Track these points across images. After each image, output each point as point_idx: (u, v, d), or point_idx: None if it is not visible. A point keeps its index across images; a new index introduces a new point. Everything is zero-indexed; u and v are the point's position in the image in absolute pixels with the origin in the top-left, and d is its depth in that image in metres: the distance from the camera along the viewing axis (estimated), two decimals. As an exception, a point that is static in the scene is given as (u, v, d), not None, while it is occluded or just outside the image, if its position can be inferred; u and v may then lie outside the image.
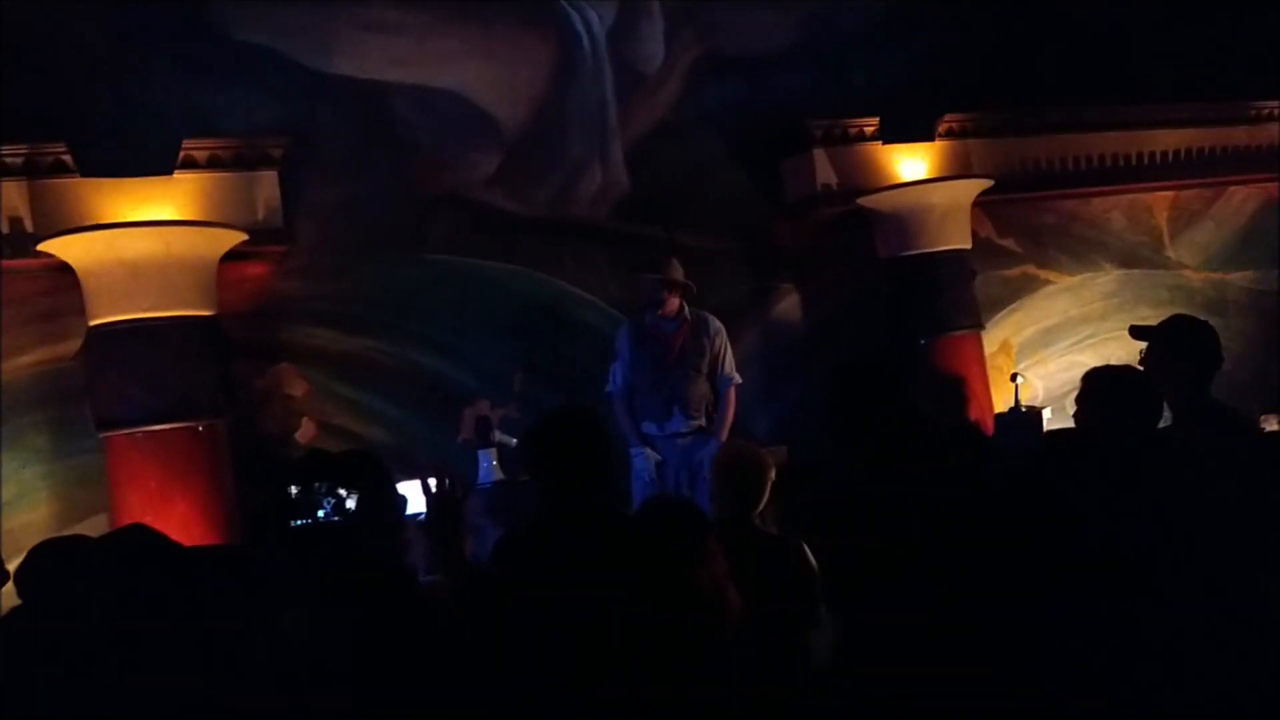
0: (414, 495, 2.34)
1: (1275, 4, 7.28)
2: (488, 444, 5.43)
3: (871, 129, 6.55)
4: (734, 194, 6.56)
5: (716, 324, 5.18)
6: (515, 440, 5.43)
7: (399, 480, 2.24)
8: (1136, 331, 3.27)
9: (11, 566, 2.92)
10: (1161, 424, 3.12)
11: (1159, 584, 2.13)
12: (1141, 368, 3.16)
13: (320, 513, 2.02)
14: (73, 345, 5.09)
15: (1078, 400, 3.01)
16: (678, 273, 5.08)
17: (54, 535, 3.03)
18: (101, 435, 4.94)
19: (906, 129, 6.61)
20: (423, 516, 2.31)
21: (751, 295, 6.53)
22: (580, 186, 6.30)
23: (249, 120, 5.52)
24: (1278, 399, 6.13)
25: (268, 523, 2.14)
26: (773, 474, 3.37)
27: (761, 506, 3.31)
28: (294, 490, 2.06)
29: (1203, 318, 3.30)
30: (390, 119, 5.92)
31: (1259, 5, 7.28)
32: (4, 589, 2.98)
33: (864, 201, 6.43)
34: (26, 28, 5.14)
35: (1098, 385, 2.93)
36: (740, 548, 3.05)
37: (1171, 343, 3.13)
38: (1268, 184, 7.75)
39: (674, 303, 5.05)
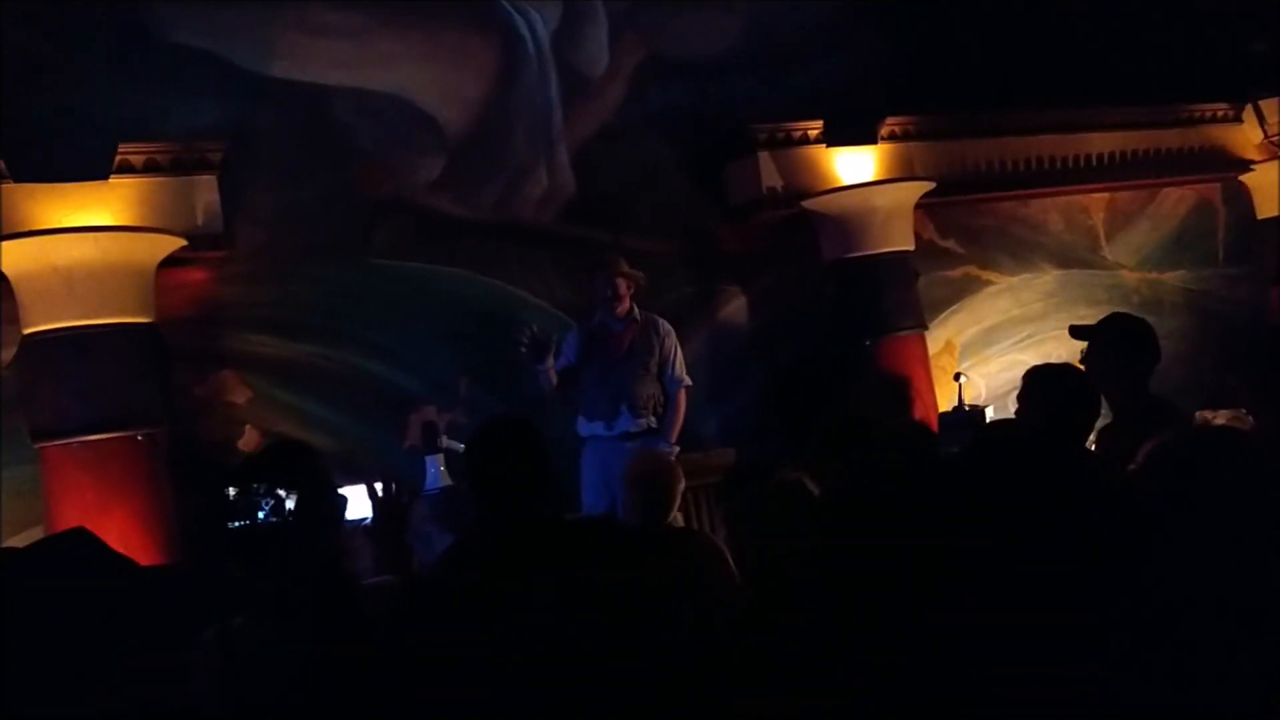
0: (359, 500, 2.31)
1: (1207, 9, 7.47)
2: (434, 450, 5.37)
3: (815, 132, 6.61)
4: (679, 197, 6.58)
5: (666, 325, 5.19)
6: (462, 446, 5.38)
7: (344, 485, 2.21)
8: (1076, 331, 3.35)
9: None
10: (1102, 421, 3.21)
11: (1105, 580, 2.16)
12: (1082, 366, 3.23)
13: (259, 514, 1.99)
14: (6, 354, 4.98)
15: (1019, 399, 3.06)
16: (626, 269, 5.11)
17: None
18: (37, 446, 4.83)
19: (850, 132, 6.67)
20: (368, 521, 2.29)
21: (697, 298, 6.55)
22: (525, 190, 6.28)
23: (187, 124, 5.43)
24: (1211, 396, 6.28)
25: (206, 527, 2.11)
26: (682, 484, 3.37)
27: (671, 514, 3.32)
28: (232, 492, 2.03)
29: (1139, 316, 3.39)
30: (332, 122, 5.86)
31: (1191, 10, 7.46)
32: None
33: (808, 204, 6.48)
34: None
35: (1037, 383, 2.98)
36: (653, 549, 3.06)
37: (1110, 341, 3.20)
38: (1200, 186, 7.94)
39: (625, 301, 5.06)
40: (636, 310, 5.12)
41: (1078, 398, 2.92)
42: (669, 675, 2.04)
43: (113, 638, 1.22)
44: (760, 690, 1.95)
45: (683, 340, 5.50)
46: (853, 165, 6.66)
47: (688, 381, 5.17)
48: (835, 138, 6.63)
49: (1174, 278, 7.86)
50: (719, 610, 2.60)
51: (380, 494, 2.31)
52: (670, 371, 5.11)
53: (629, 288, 5.06)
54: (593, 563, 2.14)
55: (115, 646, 1.24)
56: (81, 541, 1.29)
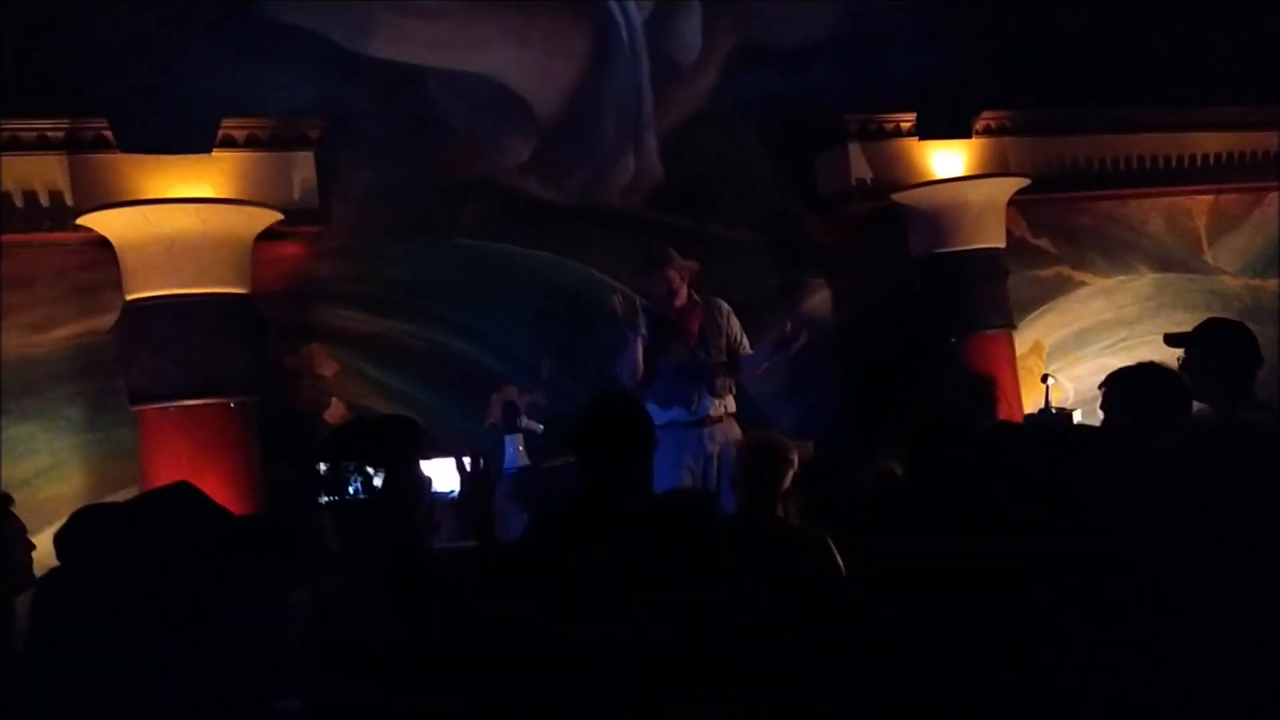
0: (448, 474, 2.35)
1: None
2: (514, 429, 5.45)
3: (908, 124, 6.52)
4: (767, 187, 6.55)
5: (725, 306, 5.19)
6: (541, 426, 5.44)
7: (433, 458, 2.26)
8: (1172, 339, 3.22)
9: (40, 539, 2.98)
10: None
11: (1191, 589, 2.12)
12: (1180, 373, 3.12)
13: (350, 490, 2.05)
14: (109, 319, 5.15)
15: (1102, 403, 2.98)
16: (678, 259, 5.10)
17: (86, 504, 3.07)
18: (134, 409, 5.00)
19: (943, 125, 6.56)
20: (455, 495, 2.34)
21: (781, 288, 6.52)
22: (613, 175, 6.31)
23: (287, 101, 5.55)
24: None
25: (300, 496, 2.17)
26: (795, 464, 3.38)
27: (782, 492, 3.33)
28: (323, 467, 2.09)
29: (1239, 323, 3.27)
30: (426, 103, 5.94)
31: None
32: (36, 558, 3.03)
33: (898, 197, 6.40)
34: (70, 3, 5.20)
35: (1119, 384, 2.91)
36: (763, 540, 3.06)
37: (1208, 347, 3.08)
38: (1310, 190, 7.65)
39: (682, 292, 5.08)
40: (695, 295, 5.14)
41: (1165, 397, 2.83)
42: (746, 658, 2.05)
43: (216, 584, 1.27)
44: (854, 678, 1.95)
45: (765, 330, 5.47)
46: (945, 159, 6.55)
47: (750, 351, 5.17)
48: (928, 130, 6.53)
49: (1278, 285, 7.58)
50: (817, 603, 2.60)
51: (469, 469, 2.36)
52: (740, 353, 5.13)
53: (684, 278, 5.07)
54: (688, 540, 2.16)
55: (218, 593, 1.29)
56: (185, 494, 1.35)
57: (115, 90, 5.19)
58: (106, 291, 5.14)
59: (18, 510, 3.12)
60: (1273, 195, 7.60)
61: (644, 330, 4.93)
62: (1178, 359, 3.17)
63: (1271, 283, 7.57)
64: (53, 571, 1.50)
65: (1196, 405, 2.98)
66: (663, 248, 5.19)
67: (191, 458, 4.85)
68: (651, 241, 6.11)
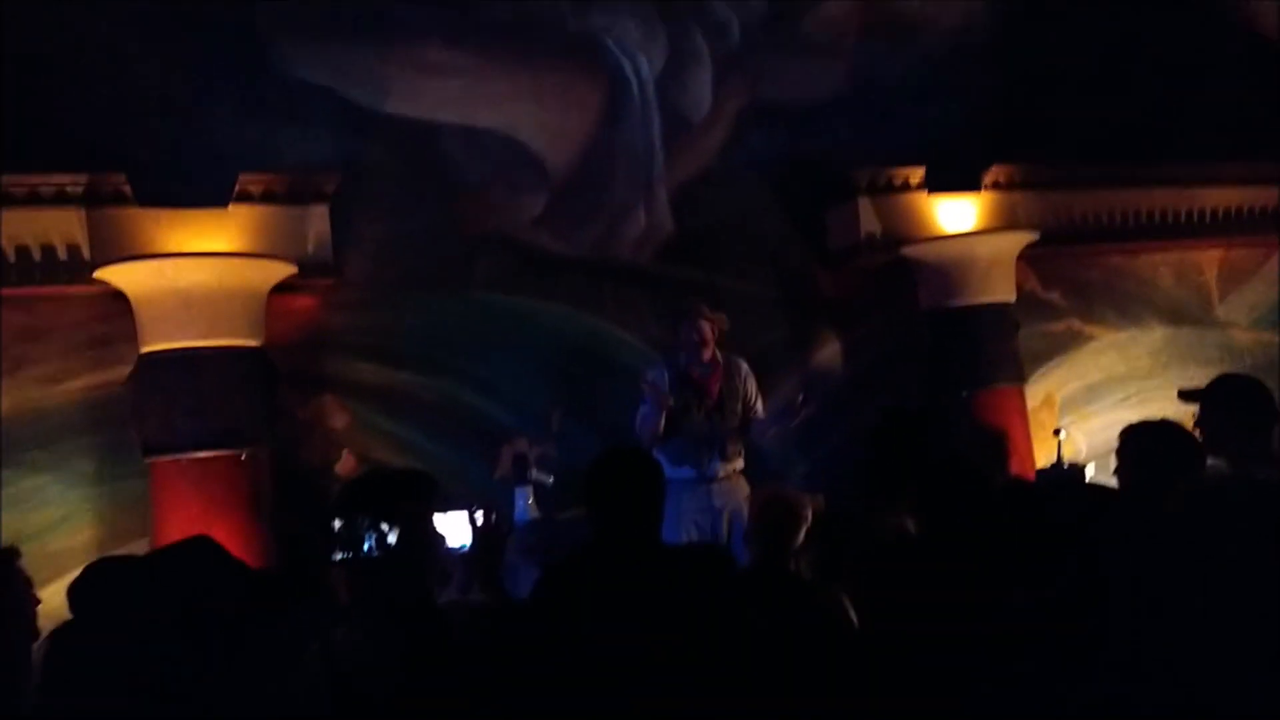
0: (460, 527, 2.35)
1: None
2: (524, 481, 5.44)
3: (917, 179, 6.56)
4: (777, 241, 6.59)
5: (745, 367, 5.22)
6: (552, 478, 5.43)
7: (446, 510, 2.26)
8: (1185, 395, 3.22)
9: (50, 591, 2.97)
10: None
11: (1208, 648, 2.11)
12: (1196, 430, 3.10)
13: (364, 547, 2.05)
14: (123, 371, 5.17)
15: (1117, 456, 2.97)
16: (709, 312, 5.14)
17: (99, 557, 3.06)
18: (147, 460, 5.01)
19: (953, 179, 6.60)
20: (467, 549, 2.33)
21: (792, 342, 6.52)
22: (624, 229, 6.35)
23: (302, 156, 5.62)
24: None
25: (314, 552, 2.17)
26: (808, 519, 3.38)
27: (795, 548, 3.32)
28: (337, 524, 2.09)
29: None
30: (440, 158, 6.01)
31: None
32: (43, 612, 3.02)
33: (908, 252, 6.42)
34: (90, 59, 5.29)
35: (1134, 440, 2.89)
36: (777, 595, 3.05)
37: (1224, 402, 3.06)
38: (1320, 244, 7.65)
39: (710, 346, 5.09)
40: (718, 354, 5.16)
41: (1177, 454, 2.82)
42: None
43: (234, 638, 1.27)
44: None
45: (776, 384, 5.49)
46: (954, 213, 6.58)
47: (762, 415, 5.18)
48: (938, 184, 6.57)
49: (1288, 339, 7.57)
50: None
51: (480, 523, 2.36)
52: (754, 415, 5.15)
53: (713, 332, 5.10)
54: (701, 594, 2.15)
55: (236, 647, 1.29)
56: (204, 548, 1.35)
57: (134, 145, 5.26)
58: (121, 344, 5.16)
59: (26, 563, 3.11)
60: (1282, 249, 7.62)
61: (670, 401, 4.96)
62: (1192, 415, 3.17)
63: (1283, 337, 7.56)
64: (66, 624, 1.50)
65: (1211, 461, 2.97)
66: (693, 301, 5.23)
67: (203, 509, 4.84)
68: (662, 295, 6.16)
